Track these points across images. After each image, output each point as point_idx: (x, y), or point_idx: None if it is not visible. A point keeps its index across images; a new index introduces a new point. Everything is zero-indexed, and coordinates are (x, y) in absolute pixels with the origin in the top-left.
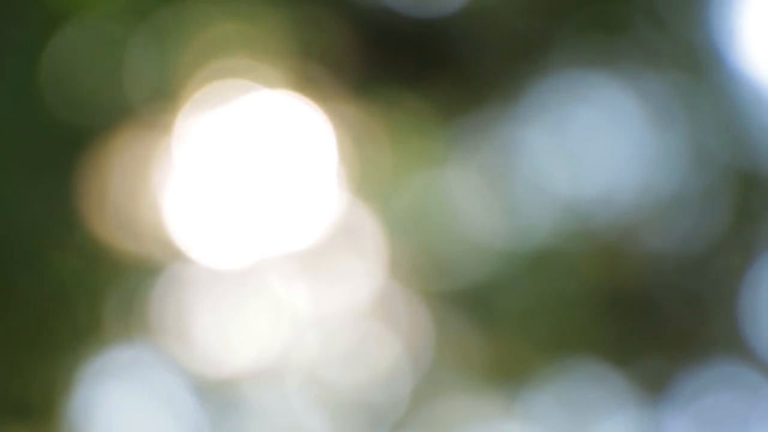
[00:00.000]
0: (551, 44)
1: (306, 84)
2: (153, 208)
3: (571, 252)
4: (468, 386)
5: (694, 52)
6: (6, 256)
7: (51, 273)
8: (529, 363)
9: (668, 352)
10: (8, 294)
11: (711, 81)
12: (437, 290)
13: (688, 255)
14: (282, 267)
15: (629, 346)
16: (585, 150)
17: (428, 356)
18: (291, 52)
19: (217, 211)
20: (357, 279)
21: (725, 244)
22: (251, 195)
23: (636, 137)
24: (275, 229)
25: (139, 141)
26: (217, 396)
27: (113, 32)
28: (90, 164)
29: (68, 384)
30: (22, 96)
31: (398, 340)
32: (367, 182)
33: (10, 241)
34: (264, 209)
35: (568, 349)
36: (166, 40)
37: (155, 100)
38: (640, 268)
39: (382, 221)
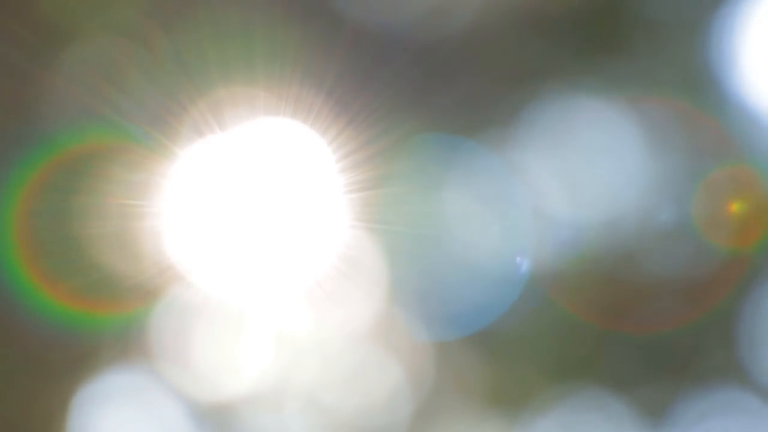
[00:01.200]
0: (551, 68)
1: (304, 110)
2: (152, 232)
3: (571, 277)
4: (468, 411)
5: (694, 77)
6: (3, 280)
7: (49, 297)
8: (529, 388)
9: (668, 377)
10: (5, 318)
11: (711, 106)
12: (437, 314)
13: (688, 280)
14: (281, 291)
15: (629, 372)
16: (585, 175)
17: (428, 381)
18: (289, 78)
19: (216, 235)
20: (356, 303)
21: (724, 269)
22: (250, 219)
23: (636, 162)
24: (274, 253)
25: (140, 165)
26: (216, 421)
27: (111, 56)
28: (90, 188)
29: (67, 409)
30: (20, 118)
31: (398, 365)
32: (367, 206)
33: (7, 264)
34: (263, 234)
35: (568, 374)
36: (164, 65)
37: (155, 125)
38: (640, 293)
39: (381, 245)
